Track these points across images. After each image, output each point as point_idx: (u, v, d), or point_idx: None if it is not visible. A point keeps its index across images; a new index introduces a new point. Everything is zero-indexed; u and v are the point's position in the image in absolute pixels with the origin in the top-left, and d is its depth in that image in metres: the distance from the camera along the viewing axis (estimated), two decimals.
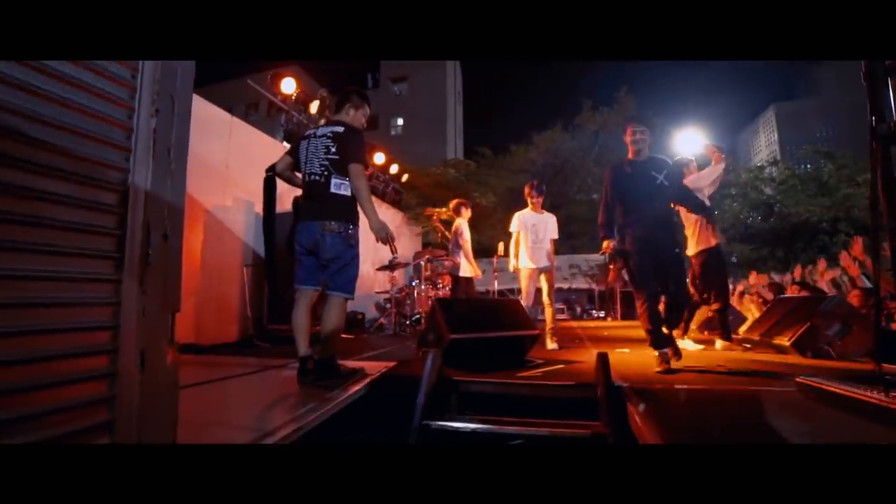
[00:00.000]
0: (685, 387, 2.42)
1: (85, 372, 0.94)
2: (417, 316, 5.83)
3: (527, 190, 4.41)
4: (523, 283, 4.28)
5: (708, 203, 3.96)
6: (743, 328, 5.48)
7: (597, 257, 11.79)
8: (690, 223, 4.00)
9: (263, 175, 2.61)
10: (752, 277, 7.50)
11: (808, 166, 18.62)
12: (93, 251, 0.97)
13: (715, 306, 3.99)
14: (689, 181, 3.89)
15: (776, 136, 66.25)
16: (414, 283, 6.02)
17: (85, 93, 0.97)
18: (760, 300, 6.27)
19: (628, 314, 10.50)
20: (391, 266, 5.70)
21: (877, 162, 1.80)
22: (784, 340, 3.72)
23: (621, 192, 3.02)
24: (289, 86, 5.58)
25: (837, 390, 1.93)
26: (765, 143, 69.32)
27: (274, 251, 2.60)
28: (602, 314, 11.03)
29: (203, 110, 4.07)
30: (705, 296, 3.95)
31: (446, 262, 6.30)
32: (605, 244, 3.08)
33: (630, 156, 3.08)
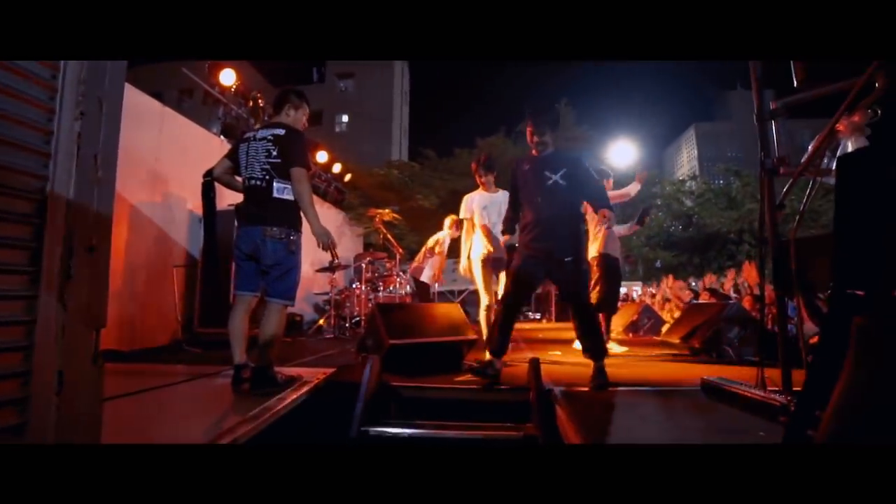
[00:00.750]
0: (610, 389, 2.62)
1: None
2: (357, 318, 5.77)
3: (473, 167, 3.89)
4: (479, 277, 3.67)
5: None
6: (664, 329, 5.98)
7: None
8: (593, 225, 3.94)
9: (199, 172, 2.49)
10: (669, 281, 8.22)
11: (721, 182, 20.65)
12: (2, 265, 0.91)
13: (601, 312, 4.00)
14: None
15: (696, 152, 72.57)
16: (354, 286, 5.95)
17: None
18: (679, 304, 6.86)
19: (563, 316, 11.07)
20: (331, 268, 5.60)
21: (764, 190, 2.09)
22: (695, 343, 4.14)
23: (516, 189, 2.89)
24: (228, 77, 5.30)
25: (732, 389, 2.20)
26: (686, 159, 75.71)
27: (216, 256, 2.49)
28: (538, 316, 11.52)
29: (131, 98, 3.77)
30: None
31: (388, 265, 6.30)
32: (502, 239, 3.10)
33: (533, 152, 2.86)
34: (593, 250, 4.03)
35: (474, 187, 3.91)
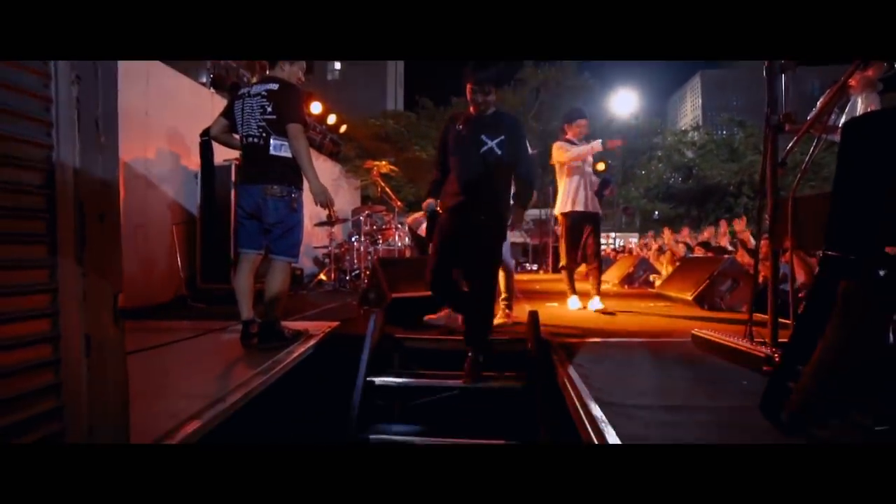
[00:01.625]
0: (598, 340, 2.74)
1: (27, 362, 0.93)
2: (357, 271, 5.85)
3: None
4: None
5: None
6: (658, 282, 6.12)
7: (532, 212, 12.33)
8: (562, 184, 4.06)
9: (189, 125, 2.45)
10: (667, 234, 8.26)
11: (724, 133, 20.24)
12: (22, 236, 0.93)
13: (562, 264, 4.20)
14: (562, 150, 3.99)
15: (700, 101, 70.38)
16: (353, 239, 5.99)
17: None
18: (673, 257, 6.96)
19: (559, 267, 11.25)
20: (330, 222, 5.60)
21: (767, 145, 2.09)
22: (687, 295, 4.25)
23: (445, 149, 2.47)
24: None
25: (720, 340, 2.31)
26: (690, 109, 73.53)
27: (216, 214, 2.50)
28: (535, 267, 11.70)
29: None
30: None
31: (386, 218, 6.30)
32: (424, 203, 2.61)
33: (471, 110, 2.42)
34: (557, 208, 4.10)
35: None
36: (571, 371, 2.04)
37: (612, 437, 1.36)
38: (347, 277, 5.91)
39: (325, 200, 2.31)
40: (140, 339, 2.27)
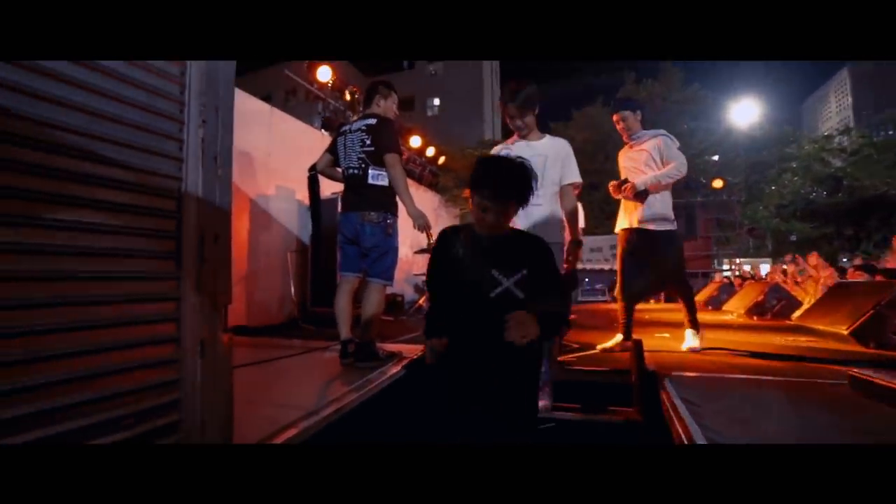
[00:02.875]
0: (723, 375, 2.37)
1: (155, 358, 1.08)
2: None
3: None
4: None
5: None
6: (797, 313, 5.22)
7: None
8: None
9: (305, 164, 2.74)
10: (813, 259, 6.96)
11: (891, 132, 16.88)
12: (158, 253, 1.10)
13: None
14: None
15: (849, 100, 60.37)
16: None
17: (142, 111, 1.08)
18: (818, 284, 5.91)
19: (673, 297, 10.19)
20: (429, 249, 5.80)
21: None
22: (842, 329, 3.53)
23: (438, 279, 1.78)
24: (324, 74, 5.71)
25: (890, 384, 1.85)
26: (836, 110, 63.38)
27: (320, 240, 2.74)
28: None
29: (244, 104, 4.26)
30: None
31: None
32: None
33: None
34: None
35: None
36: (682, 409, 1.78)
37: None
38: None
39: (422, 224, 2.41)
40: (253, 353, 2.53)
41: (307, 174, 2.70)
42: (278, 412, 1.69)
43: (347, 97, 6.02)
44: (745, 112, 12.32)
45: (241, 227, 4.24)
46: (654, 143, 3.04)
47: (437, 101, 25.95)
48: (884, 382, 1.89)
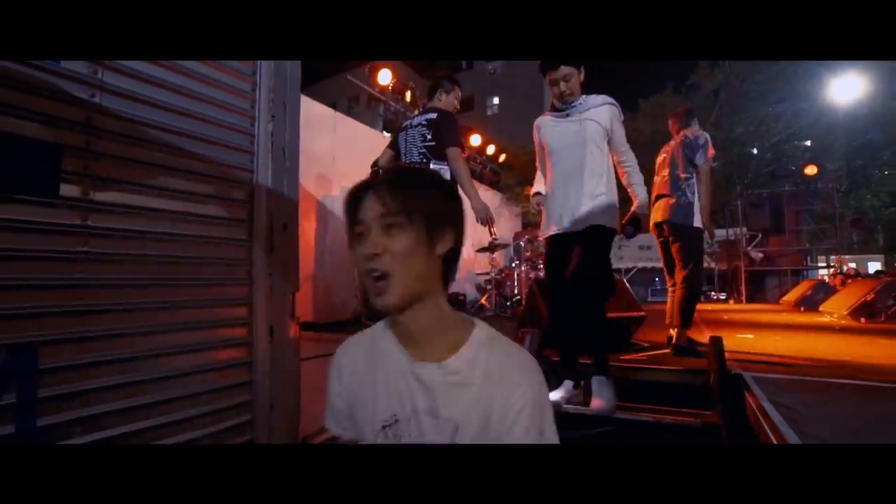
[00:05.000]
0: (820, 379, 2.11)
1: (230, 339, 1.15)
2: (517, 297, 5.83)
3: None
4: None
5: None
6: None
7: (717, 233, 10.57)
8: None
9: (367, 166, 2.81)
10: None
11: None
12: (232, 239, 1.17)
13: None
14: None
15: None
16: (514, 265, 6.01)
17: (218, 107, 1.16)
18: None
19: (755, 296, 9.29)
20: (491, 248, 5.76)
21: None
22: None
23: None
24: (385, 77, 5.86)
25: None
26: None
27: None
28: (723, 296, 9.92)
29: (310, 109, 4.48)
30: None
31: None
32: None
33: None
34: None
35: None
36: (772, 413, 1.60)
37: None
38: (508, 303, 5.93)
39: (485, 217, 2.38)
40: (318, 347, 2.64)
41: (370, 170, 2.76)
42: None
43: (408, 98, 6.15)
44: (846, 88, 10.75)
45: (308, 227, 4.46)
46: (607, 114, 2.10)
47: (496, 100, 25.77)
48: None
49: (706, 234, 2.87)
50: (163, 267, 1.02)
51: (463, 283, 7.12)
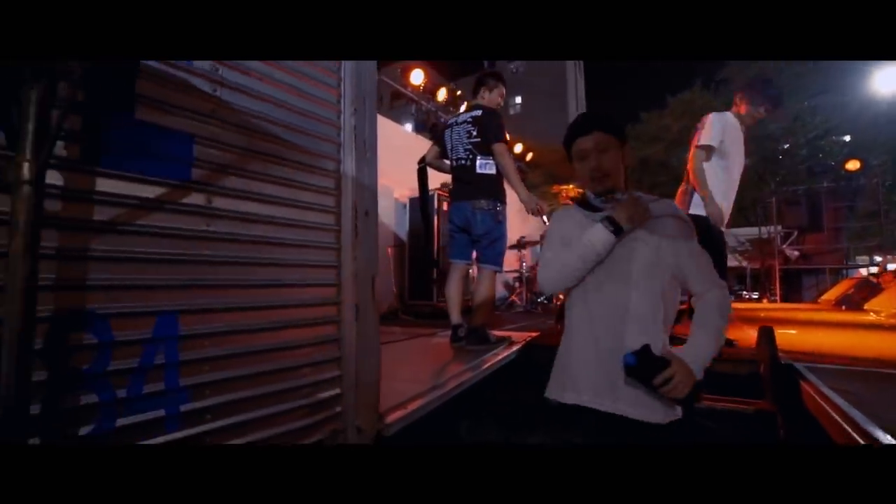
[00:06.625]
0: (881, 370, 2.09)
1: (323, 318, 1.24)
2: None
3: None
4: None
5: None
6: None
7: (749, 231, 10.31)
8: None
9: (399, 164, 2.91)
10: None
11: None
12: (323, 225, 1.26)
13: None
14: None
15: None
16: None
17: (312, 102, 1.25)
18: None
19: (790, 296, 9.04)
20: (519, 245, 5.80)
21: None
22: None
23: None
24: (417, 77, 5.98)
25: None
26: None
27: (431, 229, 2.88)
28: (755, 295, 9.69)
29: None
30: None
31: None
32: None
33: None
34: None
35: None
36: (837, 400, 1.60)
37: None
38: (539, 300, 5.97)
39: (535, 207, 2.45)
40: None
41: (417, 166, 2.86)
42: (406, 386, 1.80)
43: (440, 98, 6.25)
44: (891, 80, 10.30)
45: None
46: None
47: (518, 100, 25.73)
48: None
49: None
50: (269, 248, 1.12)
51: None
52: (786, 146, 11.56)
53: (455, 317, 2.60)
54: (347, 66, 1.36)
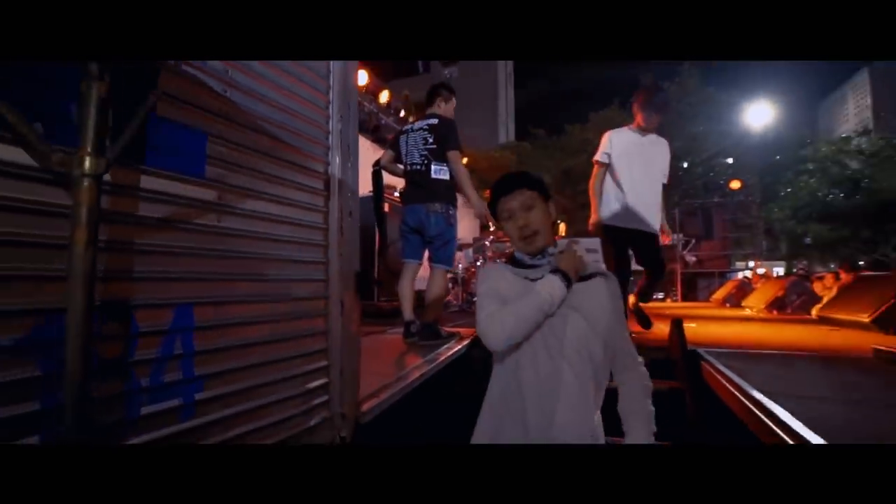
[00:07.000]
0: (755, 352, 2.58)
1: (314, 310, 1.33)
2: None
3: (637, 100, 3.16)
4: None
5: None
6: (817, 307, 5.38)
7: None
8: None
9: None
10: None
11: None
12: (312, 223, 1.35)
13: None
14: None
15: (869, 101, 59.61)
16: (479, 263, 6.34)
17: (303, 104, 1.33)
18: (836, 280, 6.04)
19: (688, 296, 10.35)
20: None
21: None
22: (864, 317, 3.71)
23: None
24: (362, 78, 5.99)
25: None
26: (854, 111, 62.62)
27: (385, 231, 2.98)
28: (661, 296, 10.90)
29: None
30: None
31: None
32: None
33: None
34: None
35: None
36: (727, 371, 2.00)
37: (798, 426, 1.29)
38: (474, 298, 6.25)
39: (483, 212, 2.64)
40: None
41: (372, 168, 2.94)
42: (372, 378, 1.87)
43: (381, 100, 6.31)
44: (759, 114, 12.42)
45: None
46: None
47: None
48: None
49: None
50: (271, 244, 1.19)
51: (424, 280, 7.33)
52: (685, 164, 13.16)
53: (407, 314, 2.73)
54: (336, 72, 1.45)
